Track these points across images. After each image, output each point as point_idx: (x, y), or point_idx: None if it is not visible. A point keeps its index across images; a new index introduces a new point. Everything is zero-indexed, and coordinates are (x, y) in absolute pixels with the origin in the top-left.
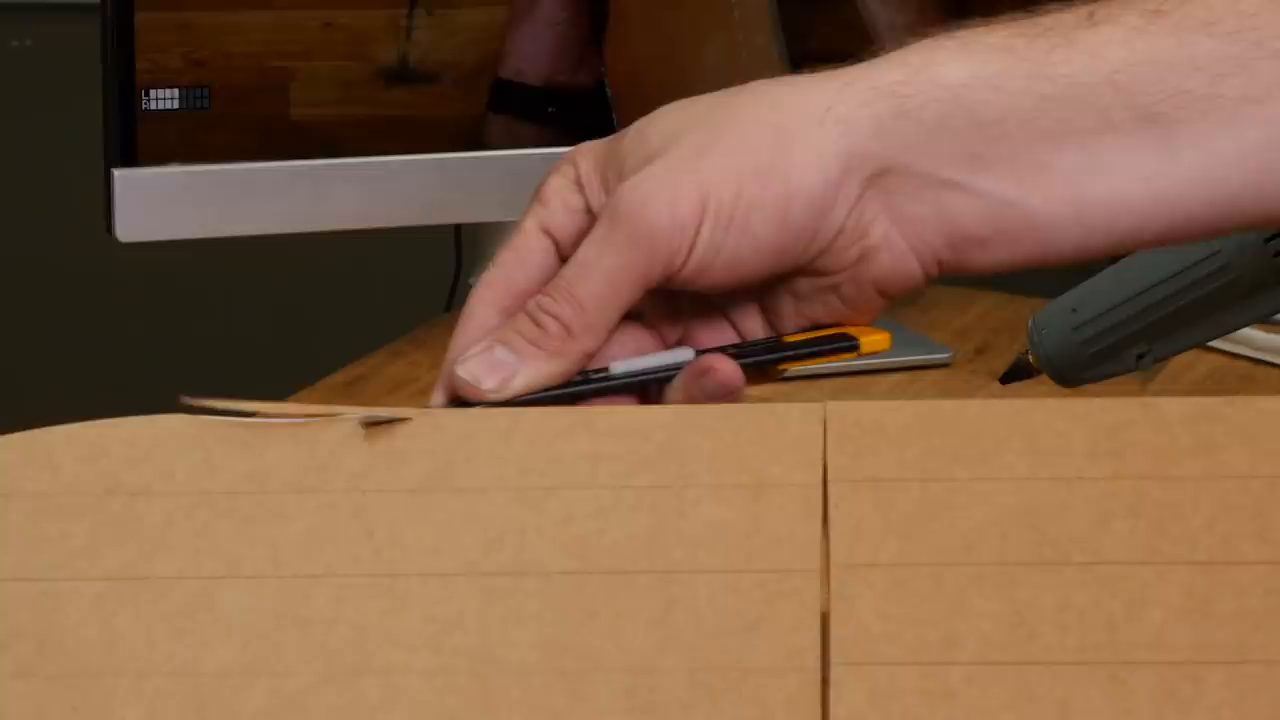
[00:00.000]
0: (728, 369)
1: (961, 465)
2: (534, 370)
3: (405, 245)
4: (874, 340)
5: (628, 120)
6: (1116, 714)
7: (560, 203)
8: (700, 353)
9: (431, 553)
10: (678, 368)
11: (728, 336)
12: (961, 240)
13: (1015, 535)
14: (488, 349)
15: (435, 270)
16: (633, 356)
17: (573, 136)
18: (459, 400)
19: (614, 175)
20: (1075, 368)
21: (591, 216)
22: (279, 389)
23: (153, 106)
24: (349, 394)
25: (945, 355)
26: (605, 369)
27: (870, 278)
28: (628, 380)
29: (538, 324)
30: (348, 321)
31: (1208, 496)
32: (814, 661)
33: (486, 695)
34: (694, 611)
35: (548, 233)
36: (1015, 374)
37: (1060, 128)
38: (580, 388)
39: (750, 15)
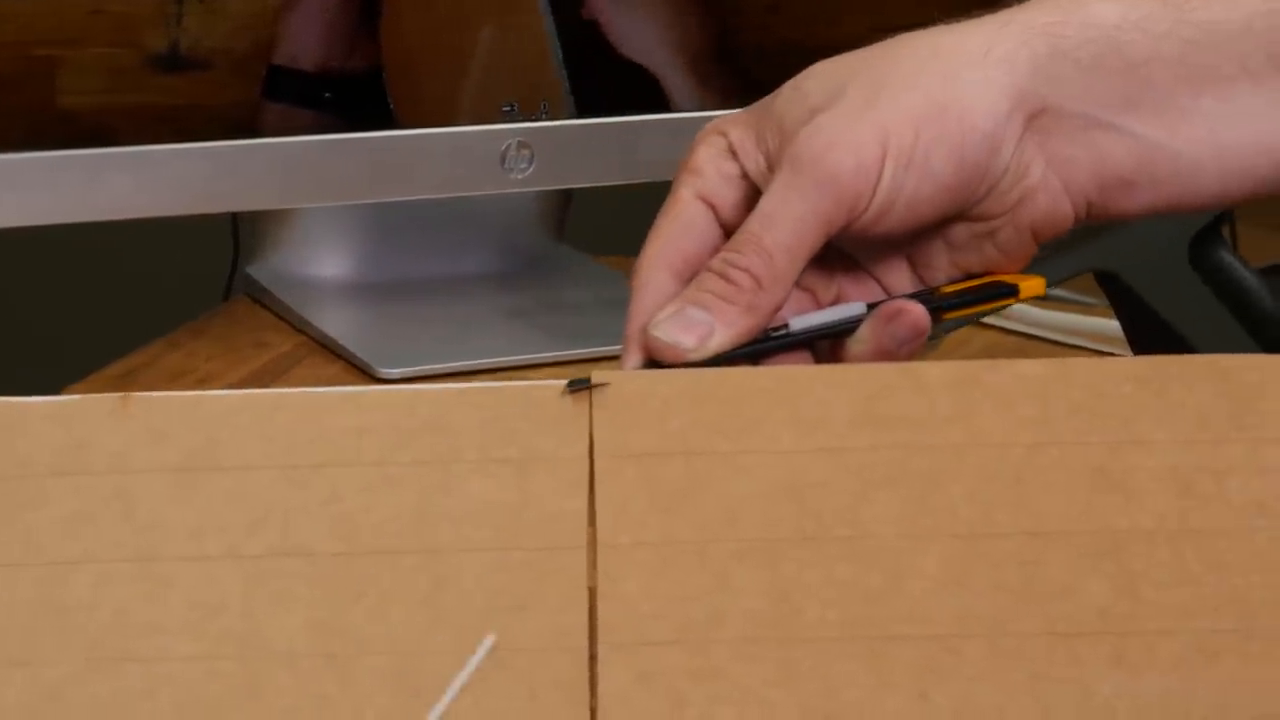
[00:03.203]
0: (917, 311)
1: (725, 437)
2: (729, 326)
3: (180, 235)
4: (1032, 285)
5: (404, 105)
6: (878, 687)
7: (715, 170)
8: (870, 306)
9: (194, 535)
10: (855, 321)
11: (877, 294)
12: (1112, 181)
13: (778, 509)
14: (680, 310)
15: (212, 260)
16: (798, 315)
17: (348, 124)
18: (654, 363)
19: (773, 135)
20: None
21: (748, 182)
22: (51, 383)
23: None
24: (124, 386)
25: None
26: (784, 326)
27: (1028, 220)
28: (807, 336)
29: (728, 279)
30: (122, 313)
31: (967, 465)
32: (582, 641)
33: (253, 680)
34: (462, 591)
35: (706, 200)
36: None
37: (1201, 73)
38: (764, 344)
39: None
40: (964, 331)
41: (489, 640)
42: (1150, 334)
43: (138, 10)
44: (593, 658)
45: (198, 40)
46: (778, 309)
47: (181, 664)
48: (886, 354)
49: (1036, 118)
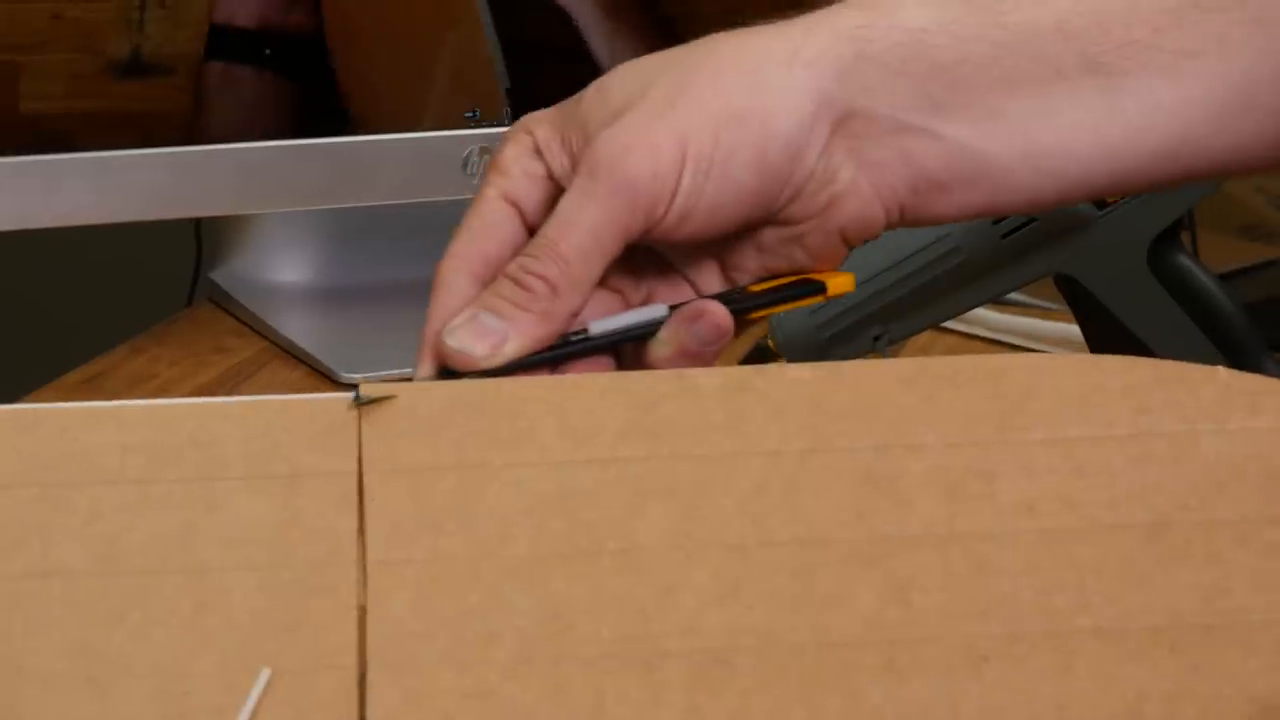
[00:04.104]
0: (720, 312)
1: (497, 450)
2: (523, 333)
3: (143, 240)
4: (840, 282)
5: (345, 63)
6: (650, 703)
7: (520, 170)
8: (673, 308)
9: None
10: (656, 324)
11: (688, 295)
12: (924, 184)
13: (550, 523)
14: (473, 317)
15: (175, 265)
16: (604, 317)
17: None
18: (448, 371)
19: (577, 136)
20: (813, 351)
21: (553, 182)
22: (13, 389)
23: None
24: (87, 391)
25: None
26: (584, 330)
27: (837, 225)
28: (608, 340)
29: (522, 286)
30: (85, 318)
31: (739, 474)
32: (351, 661)
33: (11, 704)
34: (227, 611)
35: (510, 200)
36: (755, 359)
37: (1013, 75)
38: (562, 350)
39: None
40: (926, 336)
41: (265, 674)
42: (1109, 338)
43: (99, 16)
44: (362, 678)
45: (159, 46)
46: (575, 315)
47: None
48: (690, 355)
49: (844, 122)
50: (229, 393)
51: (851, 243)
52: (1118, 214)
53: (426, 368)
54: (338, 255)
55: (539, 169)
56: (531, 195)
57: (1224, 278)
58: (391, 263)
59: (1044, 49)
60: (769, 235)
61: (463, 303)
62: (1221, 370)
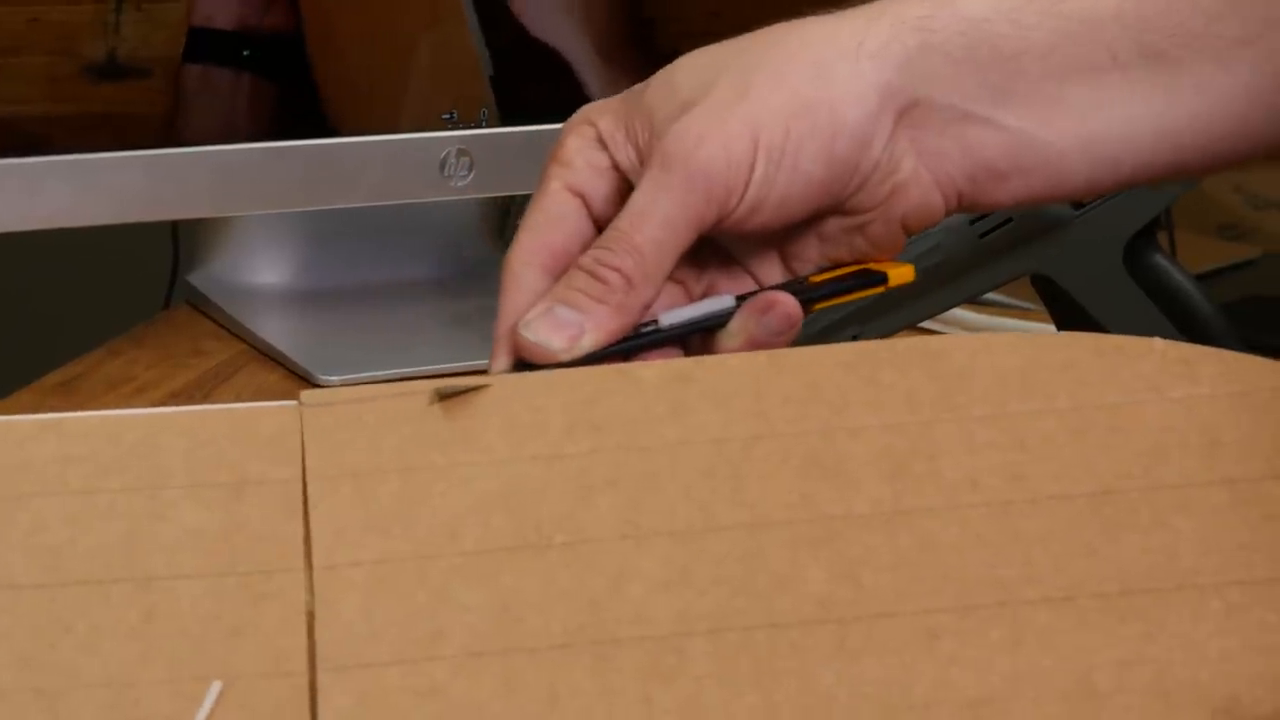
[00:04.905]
0: (790, 302)
1: (440, 450)
2: (600, 326)
3: (121, 243)
4: (900, 273)
5: (323, 65)
6: (603, 694)
7: (584, 162)
8: (740, 299)
9: None
10: (725, 315)
11: (749, 286)
12: (983, 173)
13: (497, 520)
14: (549, 310)
15: (152, 268)
16: (667, 310)
17: (275, 130)
18: (524, 364)
19: (643, 127)
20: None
21: (618, 174)
22: None
23: None
24: (63, 395)
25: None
26: (654, 321)
27: (899, 214)
28: (678, 331)
29: (598, 278)
30: (62, 321)
31: (684, 463)
32: (301, 666)
33: None
34: (175, 619)
35: (575, 192)
36: None
37: (1072, 63)
38: (634, 342)
39: None
40: (903, 336)
41: (217, 686)
42: None
43: (75, 19)
44: (312, 683)
45: (135, 48)
46: (648, 307)
47: None
48: (759, 346)
49: (907, 112)
50: (206, 395)
51: (911, 231)
52: (1094, 214)
53: (502, 361)
54: (316, 257)
55: (603, 160)
56: (597, 187)
57: (1201, 277)
58: (369, 265)
59: (1101, 37)
60: (832, 225)
61: (534, 296)
62: (1158, 341)
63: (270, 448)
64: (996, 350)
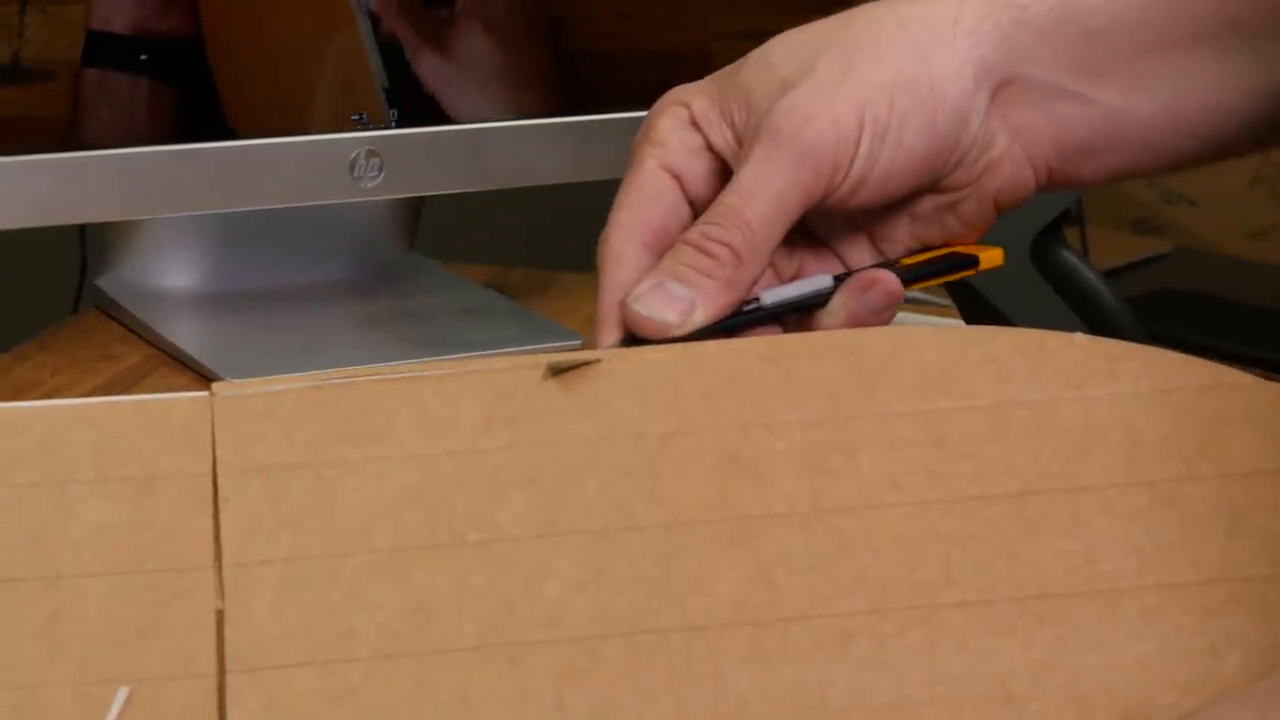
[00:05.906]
0: (891, 279)
1: (353, 445)
2: (710, 300)
3: (27, 247)
4: (990, 256)
5: (225, 69)
6: (515, 696)
7: (678, 141)
8: (838, 279)
9: None
10: (825, 294)
11: (837, 268)
12: (1072, 148)
13: (410, 517)
14: (660, 284)
15: (59, 273)
16: (765, 289)
17: (179, 133)
18: (633, 338)
19: (740, 108)
20: None
21: (713, 154)
22: None
23: None
24: None
25: (575, 341)
26: (756, 299)
27: (991, 190)
28: (779, 310)
29: (707, 253)
30: None
31: (601, 459)
32: (210, 667)
33: None
34: (82, 619)
35: (671, 171)
36: None
37: (1160, 38)
38: (739, 319)
39: None
40: None
41: (124, 692)
42: None
43: None
44: (221, 685)
45: (39, 51)
46: (755, 283)
47: None
48: (859, 323)
49: (1001, 88)
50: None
51: (1002, 208)
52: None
53: (612, 335)
54: (225, 260)
55: (697, 140)
56: (692, 166)
57: (1114, 272)
58: (279, 267)
59: (1188, 11)
60: (926, 203)
61: (638, 272)
62: (1079, 336)
63: (181, 441)
64: (917, 344)
